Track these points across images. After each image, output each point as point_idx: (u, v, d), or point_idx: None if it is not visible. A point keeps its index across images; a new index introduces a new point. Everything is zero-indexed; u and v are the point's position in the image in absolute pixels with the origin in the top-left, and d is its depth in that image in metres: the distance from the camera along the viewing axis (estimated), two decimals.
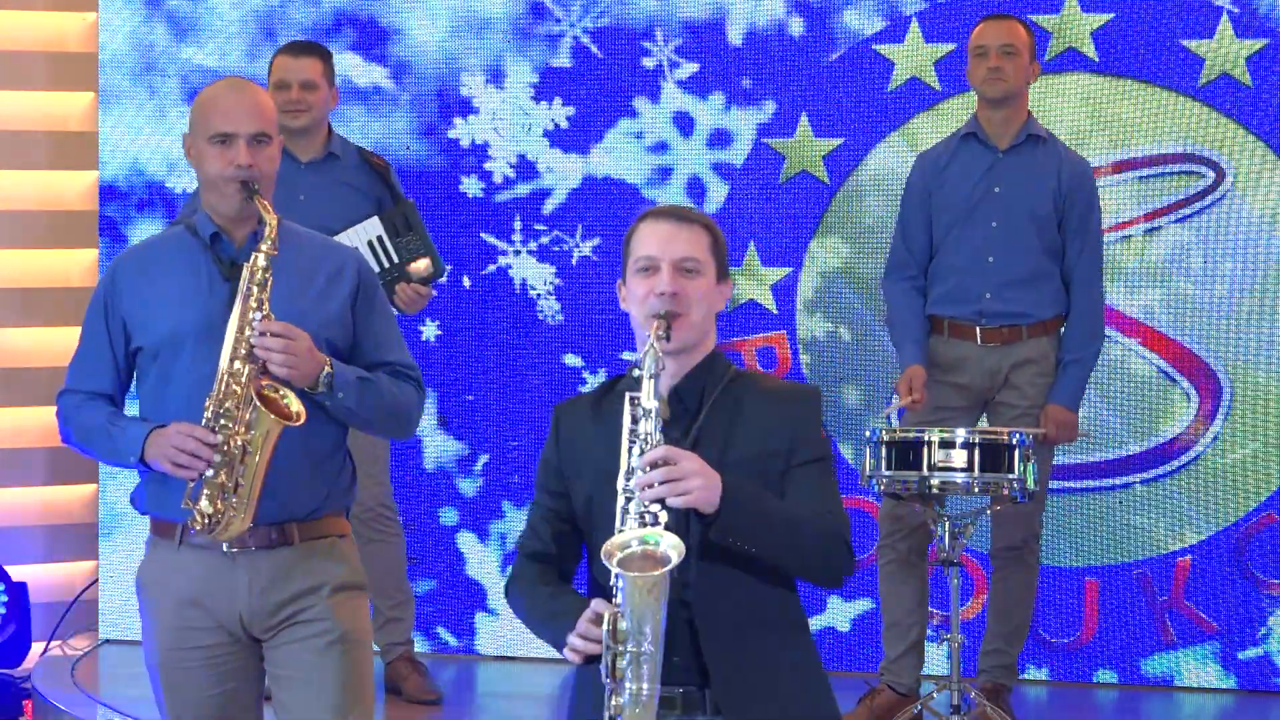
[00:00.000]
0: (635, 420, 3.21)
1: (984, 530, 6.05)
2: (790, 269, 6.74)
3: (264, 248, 3.76)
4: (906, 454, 5.44)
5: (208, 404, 3.72)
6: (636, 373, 3.23)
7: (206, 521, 3.73)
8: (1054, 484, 6.26)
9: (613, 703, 3.11)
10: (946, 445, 5.40)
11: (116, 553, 6.90)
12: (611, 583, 3.13)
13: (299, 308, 3.81)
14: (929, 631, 5.97)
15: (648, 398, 3.20)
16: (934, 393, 5.81)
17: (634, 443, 3.21)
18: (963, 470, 5.39)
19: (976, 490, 5.46)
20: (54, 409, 3.98)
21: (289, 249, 3.85)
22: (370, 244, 5.90)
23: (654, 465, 3.16)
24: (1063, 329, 5.89)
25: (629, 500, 3.18)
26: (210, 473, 3.70)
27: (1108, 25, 6.55)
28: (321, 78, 6.01)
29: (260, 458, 3.71)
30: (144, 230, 6.83)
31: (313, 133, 6.02)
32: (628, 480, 3.20)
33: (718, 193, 6.77)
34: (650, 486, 3.15)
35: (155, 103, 6.93)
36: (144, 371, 3.88)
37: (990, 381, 5.86)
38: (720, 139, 6.77)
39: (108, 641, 6.91)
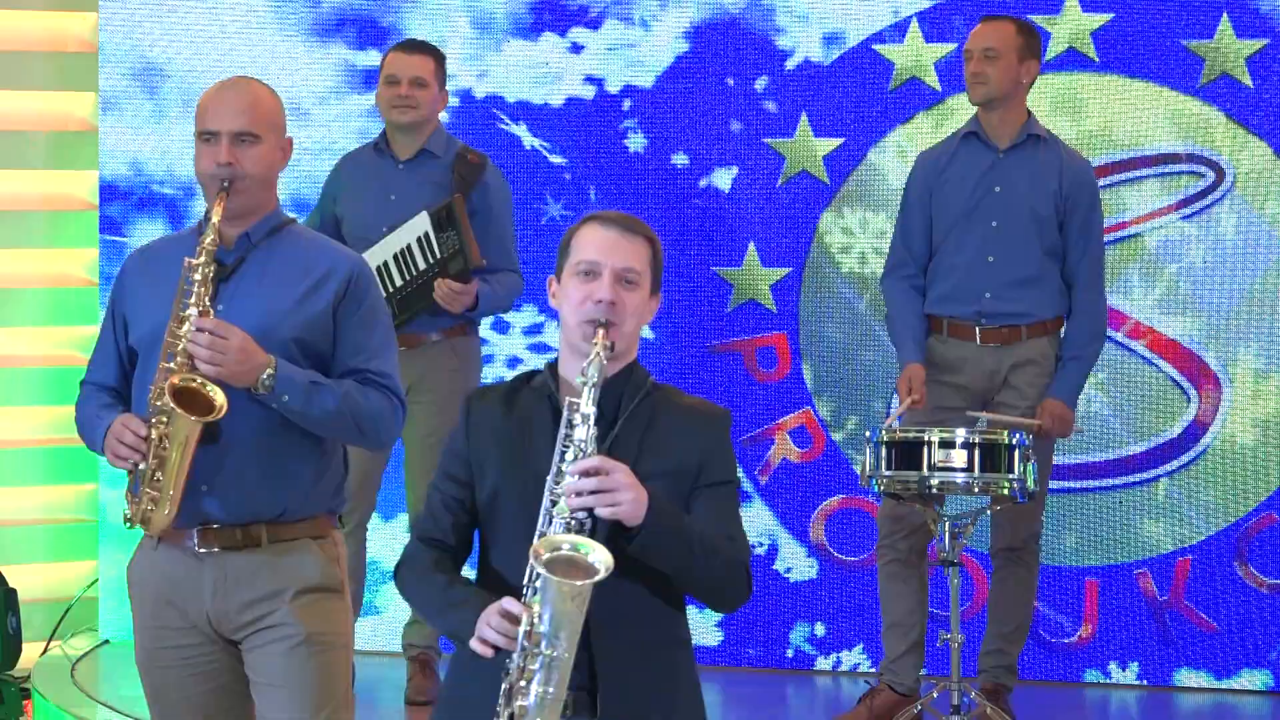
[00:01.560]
0: (571, 425, 3.22)
1: (984, 530, 6.05)
2: (790, 269, 6.74)
3: (205, 243, 3.76)
4: (906, 454, 5.43)
5: (149, 398, 3.76)
6: (580, 380, 3.22)
7: (135, 515, 3.78)
8: (1054, 484, 6.26)
9: (516, 704, 3.11)
10: (946, 445, 5.40)
11: (116, 553, 6.88)
12: (529, 580, 3.13)
13: (274, 308, 3.81)
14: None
15: (586, 404, 3.21)
16: (934, 393, 5.81)
17: (567, 447, 3.21)
18: (962, 470, 5.38)
19: (976, 490, 5.46)
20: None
21: (287, 249, 3.85)
22: (419, 240, 5.89)
23: (586, 474, 3.17)
24: (1063, 329, 5.88)
25: (554, 504, 3.19)
26: (143, 466, 3.73)
27: (1108, 25, 6.55)
28: (433, 76, 6.00)
29: (177, 453, 3.72)
30: (143, 230, 6.83)
31: (419, 131, 6.01)
32: (555, 483, 3.20)
33: (718, 193, 6.77)
34: (579, 494, 3.16)
35: (155, 103, 6.93)
36: (137, 366, 3.91)
37: (990, 382, 5.86)
38: (720, 138, 6.76)
39: (107, 641, 6.91)
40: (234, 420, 3.75)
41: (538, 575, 3.10)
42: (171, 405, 3.68)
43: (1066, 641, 6.61)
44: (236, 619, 3.83)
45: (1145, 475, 6.60)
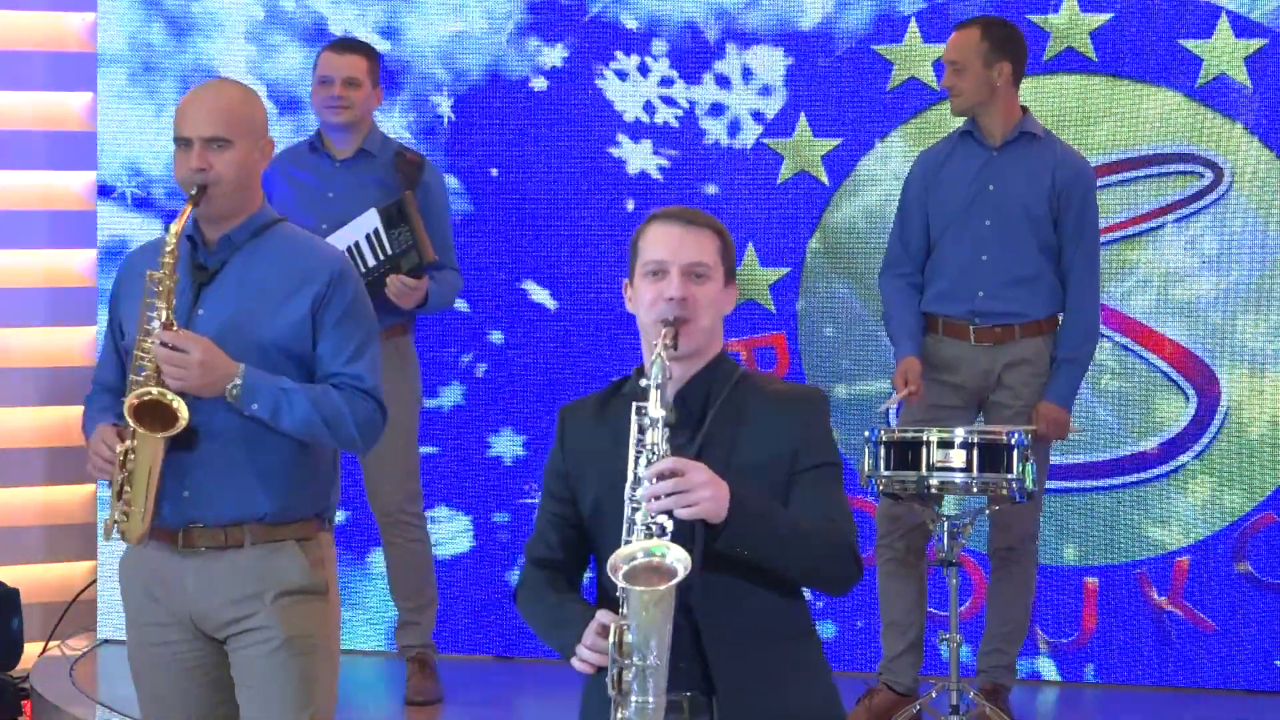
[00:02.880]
0: (642, 430, 3.21)
1: (982, 530, 6.05)
2: (790, 269, 6.74)
3: (164, 256, 3.76)
4: (905, 454, 5.44)
5: (123, 410, 3.77)
6: (644, 382, 3.22)
7: (112, 524, 3.82)
8: (1054, 484, 6.26)
9: (619, 715, 3.11)
10: (945, 445, 5.40)
11: (115, 553, 6.86)
12: (618, 595, 3.13)
13: (250, 312, 3.81)
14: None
15: (654, 407, 3.20)
16: (929, 391, 5.81)
17: (640, 453, 3.20)
18: (961, 470, 5.38)
19: (975, 490, 5.46)
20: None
21: (269, 252, 3.86)
22: (368, 237, 5.91)
23: (661, 476, 3.15)
24: (1058, 328, 5.88)
25: (635, 511, 3.18)
26: (119, 477, 3.76)
27: (1107, 25, 6.55)
28: (365, 75, 6.02)
29: (144, 467, 3.74)
30: (143, 230, 6.82)
31: (355, 130, 6.03)
32: (634, 490, 3.19)
33: (718, 193, 6.77)
34: (657, 498, 3.14)
35: (154, 103, 6.93)
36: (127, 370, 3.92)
37: (984, 381, 5.85)
38: (720, 138, 6.76)
39: (106, 641, 6.91)
40: (216, 423, 3.77)
41: (622, 588, 3.10)
42: (130, 422, 3.71)
43: (1066, 641, 6.60)
44: (218, 618, 3.85)
45: (1144, 475, 6.60)
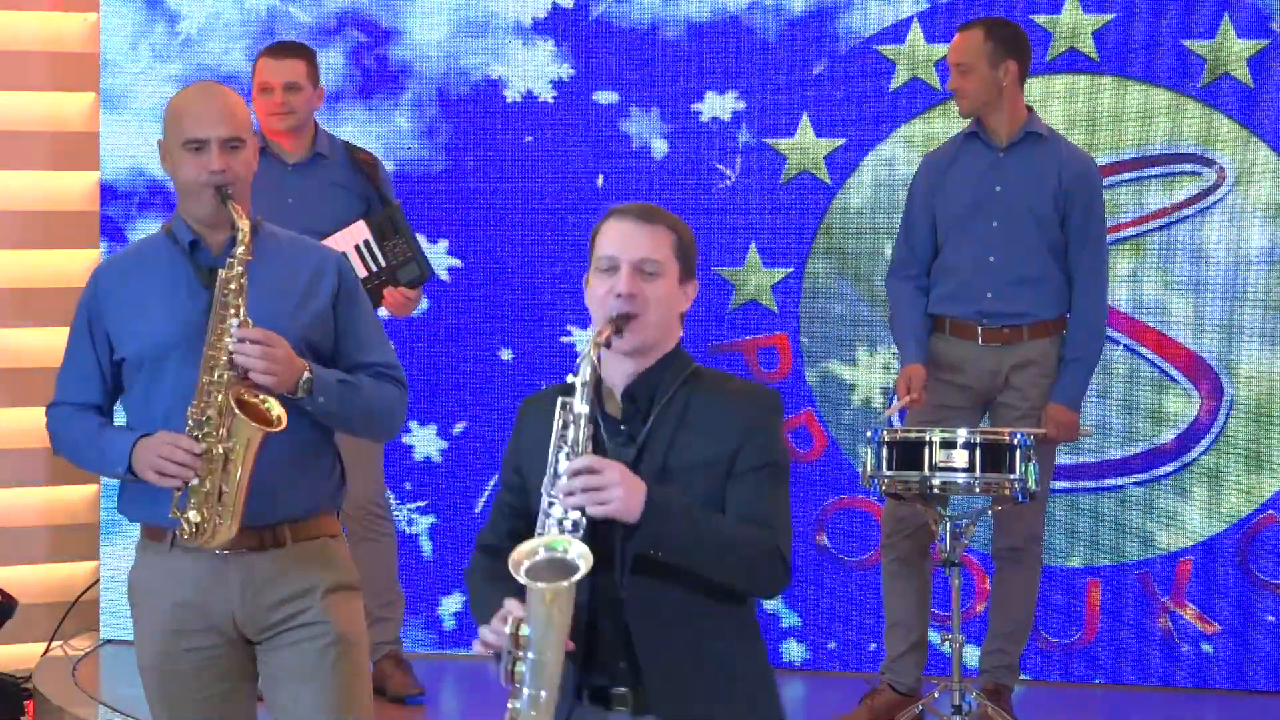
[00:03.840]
0: (565, 425, 3.22)
1: (985, 530, 6.05)
2: (791, 269, 6.74)
3: (239, 253, 3.75)
4: (908, 454, 5.44)
5: (189, 413, 3.72)
6: (570, 378, 3.23)
7: (194, 530, 3.75)
8: (1055, 484, 6.26)
9: (511, 705, 3.13)
10: (948, 445, 5.40)
11: (117, 553, 6.89)
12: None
13: (280, 311, 3.80)
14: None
15: (579, 403, 3.21)
16: (936, 392, 5.81)
17: (562, 448, 3.22)
18: (964, 470, 5.38)
19: (978, 490, 5.46)
20: None
21: (269, 252, 3.84)
22: (357, 248, 5.87)
23: (576, 473, 3.17)
24: (1065, 329, 5.88)
25: (550, 506, 3.19)
26: (195, 481, 3.71)
27: (1108, 25, 6.55)
28: (305, 78, 5.98)
29: (242, 466, 3.71)
30: (144, 231, 6.82)
31: (300, 134, 6.00)
32: (551, 486, 3.21)
33: (717, 193, 6.77)
34: (570, 494, 3.16)
35: (155, 103, 6.93)
36: (129, 381, 3.88)
37: (991, 382, 5.85)
38: (720, 139, 6.76)
39: (108, 642, 6.91)
40: None
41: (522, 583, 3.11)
42: (241, 417, 3.67)
43: (1067, 641, 6.61)
44: (267, 619, 3.83)
45: (1146, 475, 6.60)
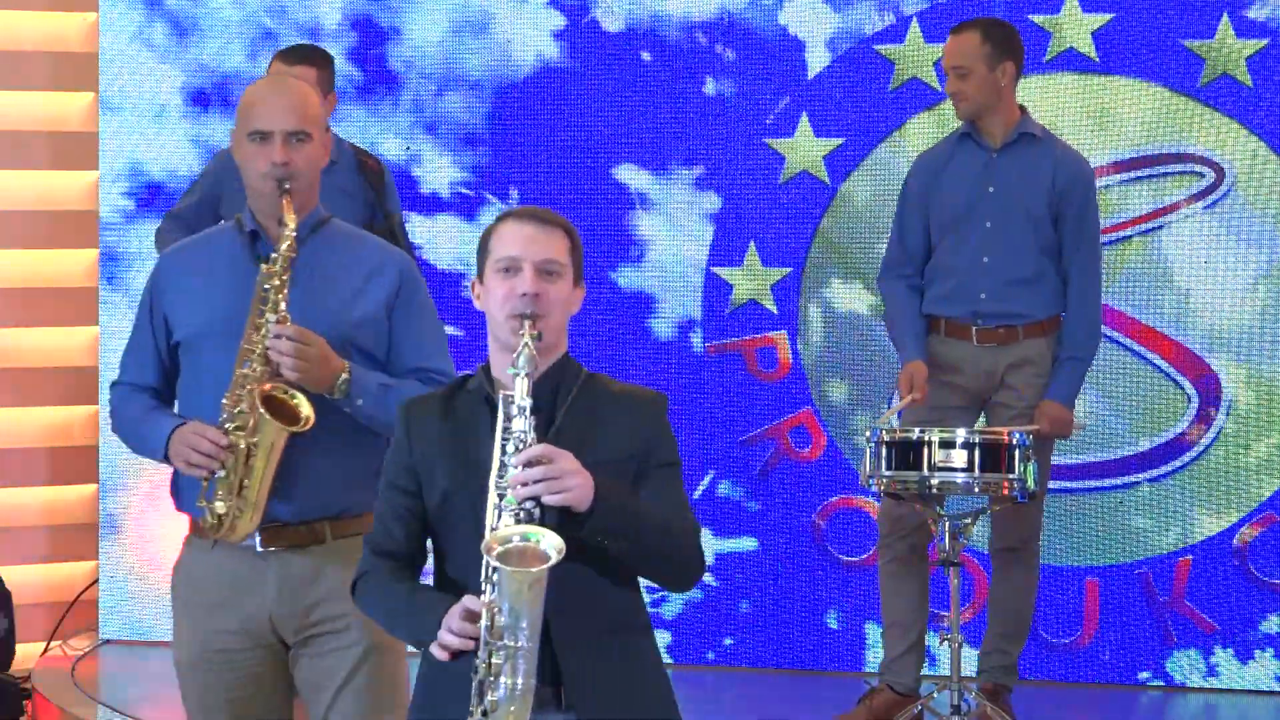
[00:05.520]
0: (509, 418, 3.23)
1: (984, 530, 6.05)
2: (790, 269, 6.74)
3: (282, 249, 3.74)
4: (906, 454, 5.44)
5: (224, 403, 3.73)
6: (511, 370, 3.23)
7: (217, 521, 3.74)
8: (1054, 484, 6.26)
9: (488, 699, 3.12)
10: (946, 445, 5.40)
11: (116, 553, 6.90)
12: (486, 577, 3.14)
13: (325, 308, 3.79)
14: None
15: (521, 396, 3.22)
16: (932, 392, 5.81)
17: (507, 440, 3.22)
18: (963, 470, 5.39)
19: (976, 490, 5.46)
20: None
21: (329, 248, 3.83)
22: None
23: (530, 463, 3.18)
24: (1060, 329, 5.88)
25: (501, 497, 3.20)
26: (221, 473, 3.71)
27: (1108, 25, 6.55)
28: (316, 84, 5.98)
29: (265, 462, 3.71)
30: (144, 230, 6.82)
31: None
32: (500, 477, 3.21)
33: (718, 193, 6.77)
34: (525, 484, 3.17)
35: (155, 103, 6.93)
36: (182, 366, 3.88)
37: (987, 382, 5.86)
38: (721, 139, 6.77)
39: (108, 642, 6.92)
40: None
41: (494, 570, 3.11)
42: (265, 414, 3.67)
43: (1066, 641, 6.61)
44: (303, 620, 3.81)
45: (1145, 475, 6.60)
